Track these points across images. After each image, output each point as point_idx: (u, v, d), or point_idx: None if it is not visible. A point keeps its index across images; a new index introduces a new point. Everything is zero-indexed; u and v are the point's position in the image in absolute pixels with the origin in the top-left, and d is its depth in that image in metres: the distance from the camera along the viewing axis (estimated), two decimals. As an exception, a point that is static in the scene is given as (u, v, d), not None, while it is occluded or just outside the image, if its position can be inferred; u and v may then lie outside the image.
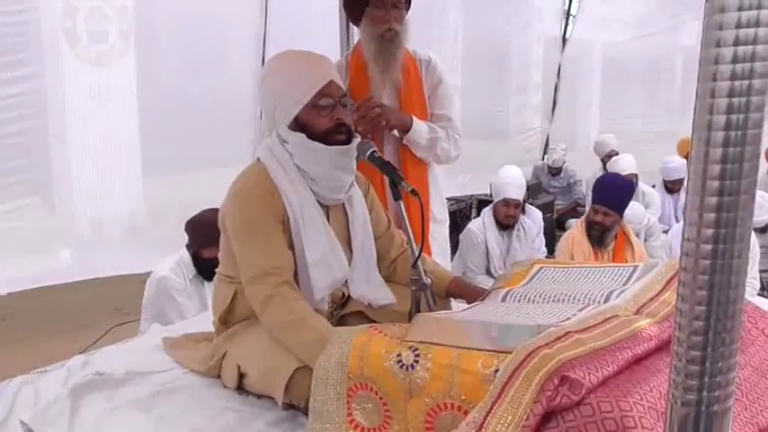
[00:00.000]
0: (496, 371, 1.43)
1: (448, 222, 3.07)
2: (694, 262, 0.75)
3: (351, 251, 2.13)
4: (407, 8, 2.67)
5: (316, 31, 4.54)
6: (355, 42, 2.98)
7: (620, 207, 3.94)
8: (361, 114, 2.55)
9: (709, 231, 0.74)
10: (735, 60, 0.70)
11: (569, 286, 1.95)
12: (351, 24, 3.19)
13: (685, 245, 0.77)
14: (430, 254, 2.76)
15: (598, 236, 3.92)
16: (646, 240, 4.60)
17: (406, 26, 2.64)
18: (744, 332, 1.74)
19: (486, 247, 4.59)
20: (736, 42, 0.69)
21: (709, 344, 0.77)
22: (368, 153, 2.06)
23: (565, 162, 7.23)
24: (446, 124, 2.76)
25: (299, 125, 2.01)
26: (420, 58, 2.77)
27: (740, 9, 0.68)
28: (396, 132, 2.68)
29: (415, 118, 2.66)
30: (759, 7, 0.67)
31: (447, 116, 2.77)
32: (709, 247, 0.74)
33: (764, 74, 0.70)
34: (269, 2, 5.20)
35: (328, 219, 2.08)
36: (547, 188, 7.08)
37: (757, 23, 0.68)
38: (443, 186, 3.04)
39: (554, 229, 6.09)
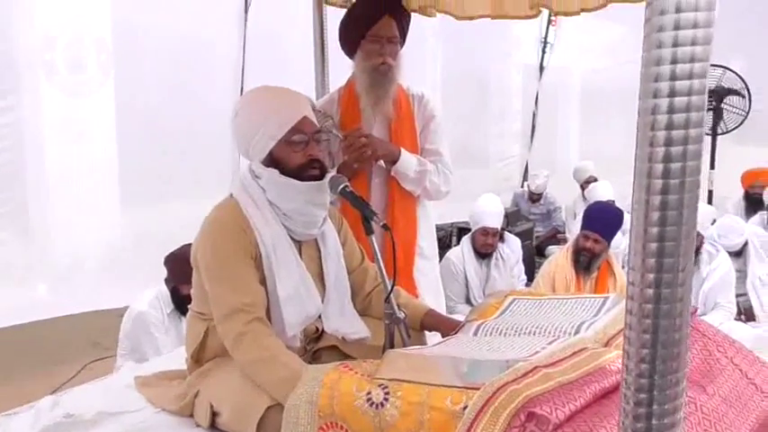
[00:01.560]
0: (465, 407, 1.43)
1: (438, 259, 3.04)
2: (639, 306, 0.77)
3: (323, 286, 2.13)
4: (402, 44, 2.69)
5: (293, 63, 4.56)
6: (328, 74, 3.01)
7: (609, 235, 3.97)
8: (348, 143, 2.56)
9: (651, 276, 0.75)
10: (671, 111, 0.72)
11: (541, 318, 1.97)
12: (326, 56, 3.22)
13: (630, 289, 0.78)
14: (415, 290, 2.75)
15: (586, 262, 3.93)
16: (624, 267, 4.63)
17: (400, 61, 2.65)
18: (712, 361, 1.75)
19: (466, 276, 4.61)
20: (672, 94, 0.71)
21: (655, 386, 0.78)
22: (340, 188, 2.06)
23: (546, 188, 7.28)
24: (436, 159, 2.74)
25: (272, 161, 2.02)
26: (413, 94, 2.78)
27: (673, 62, 0.70)
28: (383, 163, 2.68)
29: (403, 150, 2.66)
30: (692, 60, 0.70)
31: (438, 151, 2.76)
32: (650, 291, 0.76)
33: (700, 123, 0.72)
34: (247, 34, 5.24)
35: (300, 254, 2.08)
36: (526, 215, 7.11)
37: (690, 75, 0.70)
38: (434, 221, 3.02)
39: (534, 257, 6.11)
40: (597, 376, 1.51)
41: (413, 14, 2.84)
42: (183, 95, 5.10)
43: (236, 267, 1.94)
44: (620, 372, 1.52)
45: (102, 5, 4.59)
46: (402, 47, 2.68)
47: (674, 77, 0.71)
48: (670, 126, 0.71)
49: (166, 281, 3.47)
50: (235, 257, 1.94)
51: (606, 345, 1.73)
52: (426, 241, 2.86)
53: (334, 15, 3.05)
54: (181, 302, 3.38)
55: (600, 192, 5.88)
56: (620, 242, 4.80)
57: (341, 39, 2.74)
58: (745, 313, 4.53)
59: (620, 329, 1.79)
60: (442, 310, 2.76)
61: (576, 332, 1.80)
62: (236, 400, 1.88)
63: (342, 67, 2.90)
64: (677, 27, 0.72)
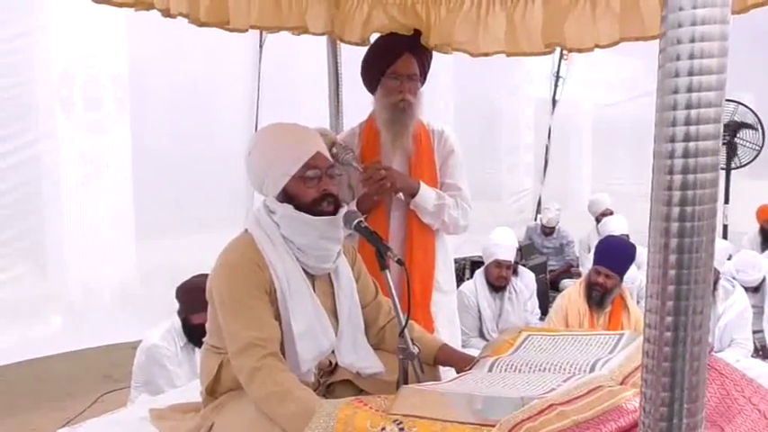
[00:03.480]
0: (480, 445, 1.42)
1: (455, 293, 3.03)
2: (657, 349, 0.77)
3: (337, 320, 2.13)
4: (423, 81, 2.73)
5: (307, 100, 4.62)
6: (343, 111, 3.05)
7: (622, 270, 3.95)
8: (367, 176, 2.58)
9: (669, 319, 0.76)
10: (686, 155, 0.73)
11: (556, 355, 1.95)
12: (340, 92, 3.26)
13: (647, 331, 0.78)
14: (431, 324, 2.74)
15: (599, 297, 3.91)
16: (638, 302, 4.60)
17: (420, 98, 2.69)
18: (730, 401, 1.73)
19: (479, 310, 4.59)
20: (687, 138, 0.72)
21: (674, 429, 0.77)
22: (354, 223, 2.07)
23: (558, 222, 7.26)
24: (456, 193, 2.76)
25: (286, 196, 2.04)
26: (433, 129, 2.81)
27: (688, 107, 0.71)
28: (402, 196, 2.69)
29: (422, 183, 2.68)
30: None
31: (457, 186, 2.78)
32: (669, 334, 0.76)
33: (715, 167, 0.73)
34: (261, 69, 5.31)
35: (314, 288, 2.08)
36: (540, 249, 7.09)
37: (706, 118, 0.71)
38: (452, 255, 3.02)
39: (547, 291, 6.07)
40: (613, 415, 1.49)
41: (428, 51, 2.87)
42: (197, 132, 5.17)
43: (251, 302, 1.95)
44: (637, 411, 1.52)
45: (118, 43, 4.68)
46: (423, 84, 2.72)
47: (688, 122, 0.72)
48: (686, 170, 0.73)
49: (178, 313, 3.49)
50: (249, 293, 1.95)
51: (622, 383, 1.71)
52: (444, 275, 2.86)
53: (349, 53, 3.10)
54: (192, 333, 3.38)
55: (613, 226, 5.85)
56: (635, 277, 4.78)
57: (362, 75, 2.78)
58: (762, 350, 4.47)
59: (635, 367, 1.77)
60: (457, 344, 2.75)
61: (592, 370, 1.78)
62: (249, 434, 1.87)
63: (356, 105, 2.94)
64: (692, 57, 0.75)
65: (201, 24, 2.45)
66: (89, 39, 4.54)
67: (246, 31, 2.67)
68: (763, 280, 4.67)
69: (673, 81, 0.75)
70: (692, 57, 0.74)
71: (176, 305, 3.49)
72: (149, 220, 4.77)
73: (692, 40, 0.75)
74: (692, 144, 0.72)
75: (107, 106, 4.67)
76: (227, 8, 2.50)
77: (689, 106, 0.73)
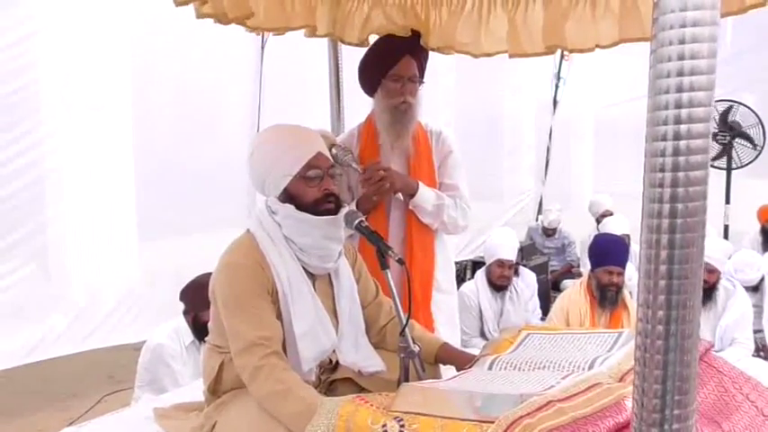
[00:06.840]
0: (480, 441, 1.44)
1: (456, 293, 3.04)
2: (650, 342, 0.79)
3: (337, 320, 2.15)
4: (421, 81, 2.74)
5: (308, 99, 4.64)
6: (344, 112, 3.07)
7: (625, 263, 3.98)
8: (367, 176, 2.60)
9: (661, 313, 0.78)
10: (677, 153, 0.75)
11: (555, 353, 1.97)
12: (341, 94, 3.28)
13: (640, 325, 0.81)
14: (432, 323, 2.76)
15: (614, 297, 3.92)
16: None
17: (419, 99, 2.71)
18: (728, 398, 1.74)
19: (480, 310, 4.61)
20: (677, 137, 0.74)
21: (666, 420, 0.79)
22: (355, 223, 2.09)
23: (560, 222, 7.28)
24: (454, 194, 2.78)
25: (288, 196, 2.06)
26: (431, 130, 2.83)
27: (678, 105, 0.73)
28: (401, 197, 2.71)
29: (421, 183, 2.70)
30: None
31: (455, 186, 2.80)
32: (661, 327, 0.78)
33: (705, 165, 0.75)
34: (263, 69, 5.33)
35: (314, 288, 2.10)
36: (541, 249, 7.11)
37: (693, 118, 0.73)
38: (452, 255, 3.02)
39: (549, 291, 6.09)
40: (611, 411, 1.51)
41: (427, 51, 2.88)
42: (200, 133, 5.18)
43: (253, 302, 1.96)
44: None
45: (122, 46, 4.69)
46: (421, 84, 2.74)
47: (678, 121, 0.74)
48: (676, 168, 0.75)
49: (185, 313, 3.50)
50: (252, 292, 1.97)
51: (620, 380, 1.73)
52: (443, 275, 2.88)
53: (349, 54, 3.11)
54: (203, 330, 3.38)
55: (613, 226, 5.86)
56: (633, 275, 4.79)
57: (361, 78, 2.79)
58: (763, 350, 4.48)
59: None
60: (456, 344, 2.76)
61: (591, 367, 1.80)
62: (252, 432, 1.89)
63: (357, 105, 2.95)
64: (681, 57, 0.77)
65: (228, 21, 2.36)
66: (92, 41, 4.55)
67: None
68: (762, 279, 4.68)
69: (664, 81, 0.77)
70: (681, 58, 0.76)
71: (178, 307, 3.51)
72: (152, 222, 4.78)
73: (682, 42, 0.77)
74: (682, 143, 0.74)
75: (110, 108, 4.69)
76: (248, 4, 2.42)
77: (678, 106, 0.75)
